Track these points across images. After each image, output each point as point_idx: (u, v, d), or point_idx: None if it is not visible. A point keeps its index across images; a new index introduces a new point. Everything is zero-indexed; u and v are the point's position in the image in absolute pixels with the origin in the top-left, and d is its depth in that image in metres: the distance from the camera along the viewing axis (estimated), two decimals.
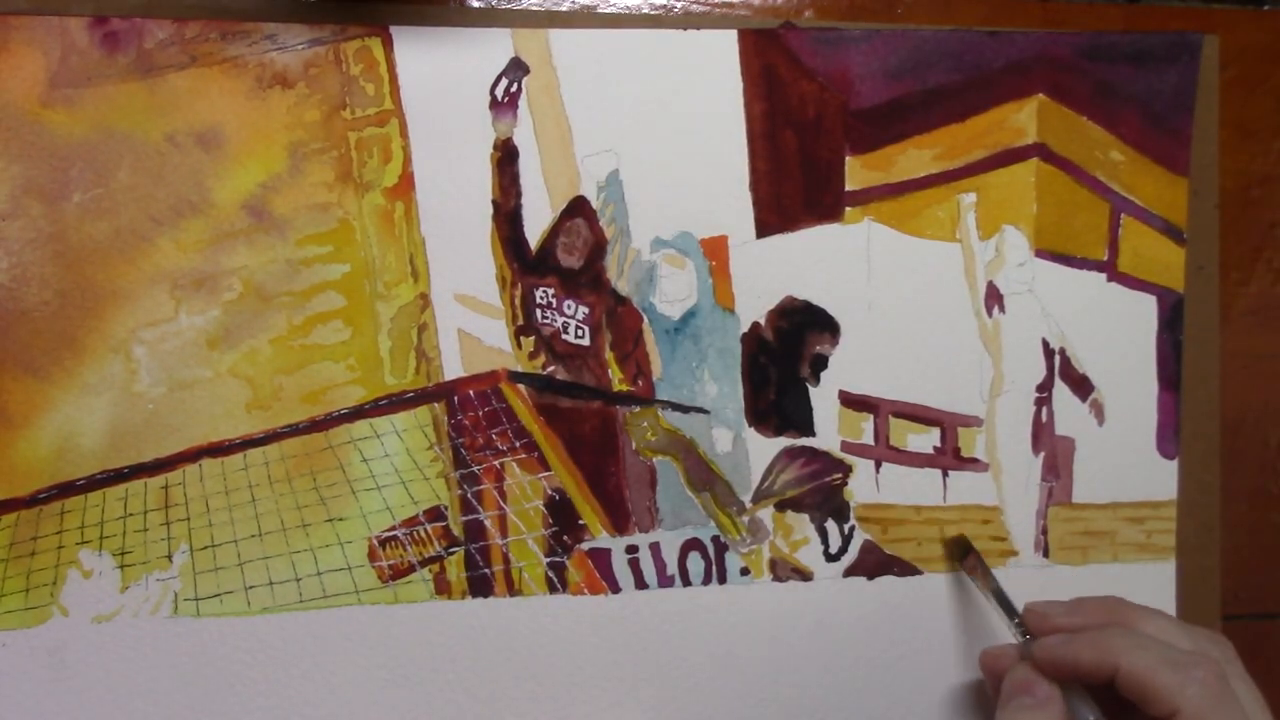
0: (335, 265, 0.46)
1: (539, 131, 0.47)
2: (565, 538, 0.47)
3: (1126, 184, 0.51)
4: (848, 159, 0.49)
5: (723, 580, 0.48)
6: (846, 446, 0.49)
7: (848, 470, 0.49)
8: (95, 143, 0.44)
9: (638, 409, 0.48)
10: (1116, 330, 0.51)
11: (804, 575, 0.49)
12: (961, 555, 0.49)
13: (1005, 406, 0.50)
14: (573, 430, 0.47)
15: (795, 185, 0.48)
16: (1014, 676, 0.44)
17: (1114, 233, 0.51)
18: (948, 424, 0.50)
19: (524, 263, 0.47)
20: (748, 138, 0.48)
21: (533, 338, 0.47)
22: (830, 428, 0.49)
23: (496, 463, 0.47)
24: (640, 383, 0.48)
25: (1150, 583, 0.51)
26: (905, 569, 0.50)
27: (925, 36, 0.49)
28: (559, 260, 0.47)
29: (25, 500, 0.44)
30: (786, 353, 0.49)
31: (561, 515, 0.47)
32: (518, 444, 0.47)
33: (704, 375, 0.48)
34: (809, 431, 0.49)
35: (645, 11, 0.48)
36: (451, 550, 0.46)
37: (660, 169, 0.47)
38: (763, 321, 0.49)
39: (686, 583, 0.48)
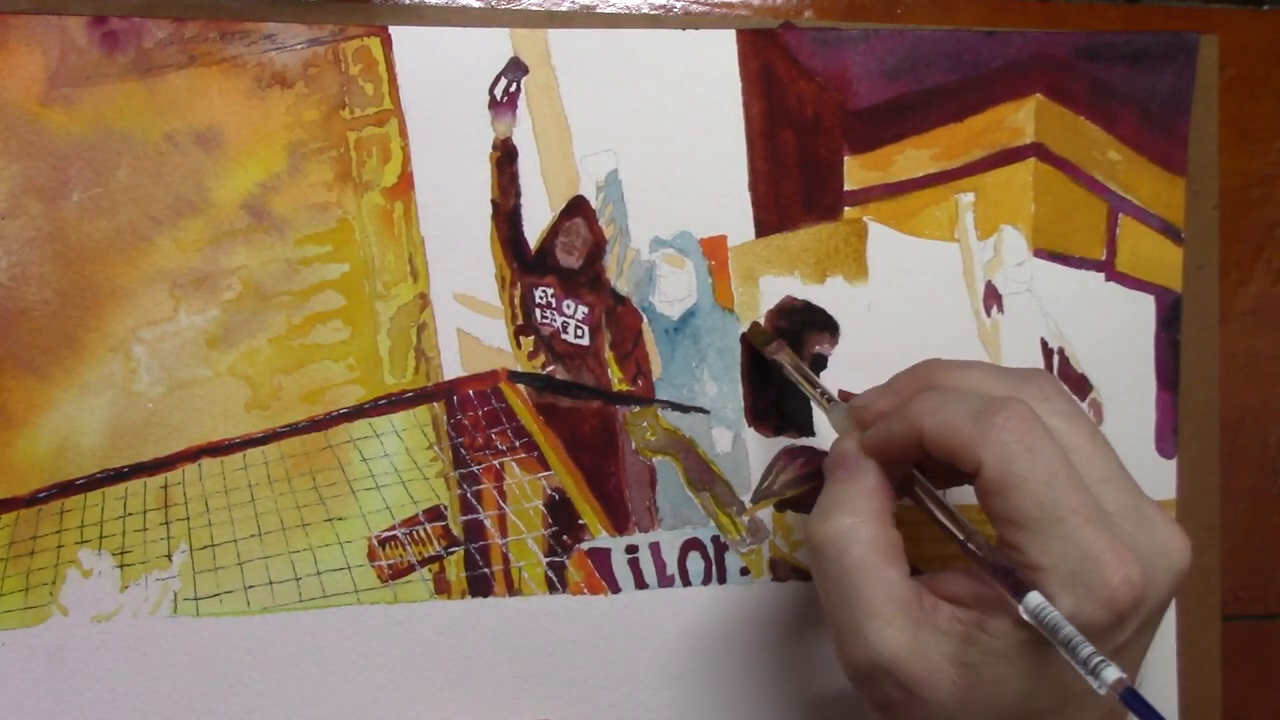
0: (334, 265, 0.46)
1: (538, 131, 0.47)
2: (565, 537, 0.47)
3: (1124, 183, 0.51)
4: (846, 159, 0.49)
5: (723, 580, 0.48)
6: None
7: None
8: (94, 142, 0.44)
9: (637, 409, 0.48)
10: (1115, 330, 0.51)
11: (804, 575, 0.49)
12: (764, 342, 0.48)
13: None
14: (572, 430, 0.47)
15: (794, 185, 0.48)
16: (832, 451, 0.42)
17: (1112, 232, 0.51)
18: None
19: (523, 262, 0.47)
20: (746, 137, 0.48)
21: (532, 337, 0.47)
22: (830, 428, 0.49)
23: (496, 462, 0.47)
24: (640, 382, 0.48)
25: None
26: None
27: (923, 36, 0.49)
28: (558, 260, 0.47)
29: (24, 499, 0.44)
30: None
31: (561, 515, 0.47)
32: (517, 444, 0.47)
33: (704, 375, 0.48)
34: (809, 431, 0.49)
35: (645, 11, 0.48)
36: (451, 550, 0.46)
37: (659, 169, 0.47)
38: (762, 321, 0.49)
39: (686, 583, 0.48)
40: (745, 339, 0.48)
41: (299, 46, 0.45)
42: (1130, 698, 0.34)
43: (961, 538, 0.39)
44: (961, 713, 0.37)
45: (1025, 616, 0.36)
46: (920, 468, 0.41)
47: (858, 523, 0.39)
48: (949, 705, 0.37)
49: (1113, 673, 0.34)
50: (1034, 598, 0.36)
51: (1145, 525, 0.38)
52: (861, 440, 0.41)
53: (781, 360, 0.47)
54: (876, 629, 0.37)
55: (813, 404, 0.49)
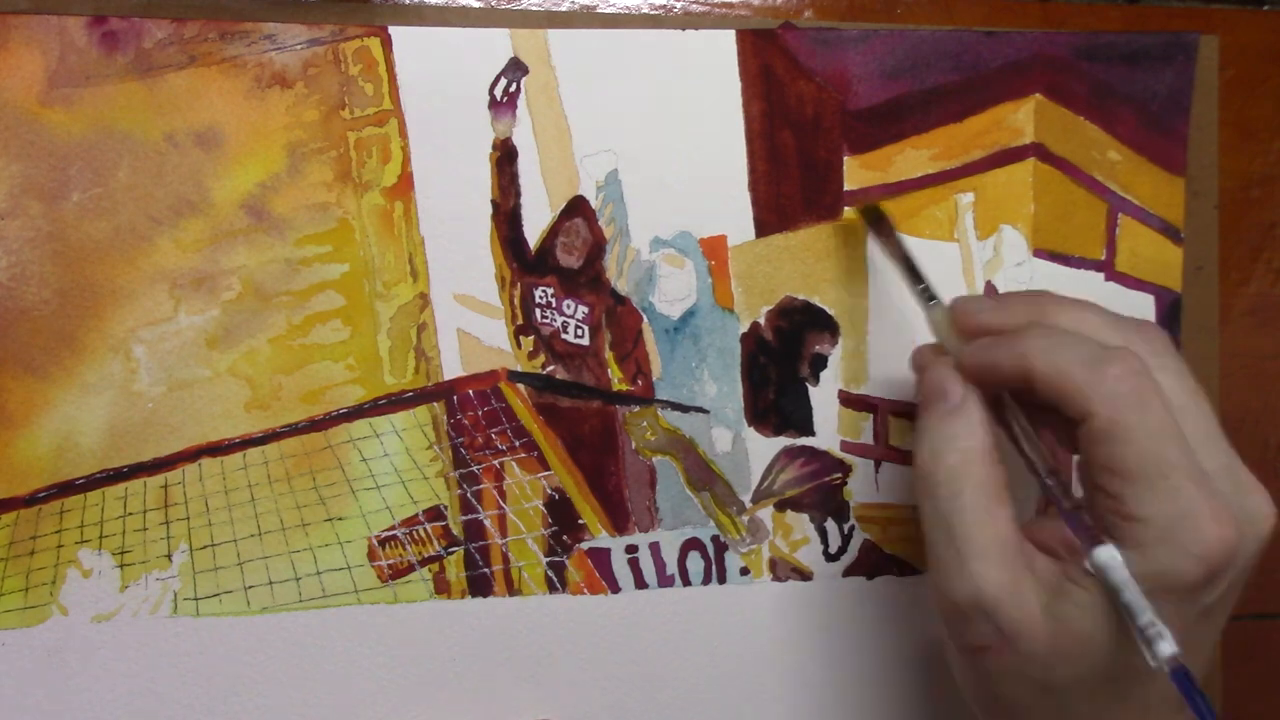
0: (334, 265, 0.46)
1: (538, 131, 0.47)
2: (565, 537, 0.47)
3: (1124, 183, 0.51)
4: (846, 159, 0.49)
5: (722, 580, 0.48)
6: (846, 446, 0.49)
7: (847, 470, 0.49)
8: (94, 142, 0.44)
9: (637, 409, 0.48)
10: None
11: (804, 575, 0.49)
12: (873, 221, 0.47)
13: None
14: (572, 430, 0.47)
15: (794, 185, 0.48)
16: (931, 376, 0.41)
17: (1111, 232, 0.51)
18: None
19: (523, 262, 0.47)
20: (746, 138, 0.48)
21: (532, 337, 0.47)
22: (830, 427, 0.49)
23: (496, 462, 0.47)
24: (640, 382, 0.48)
25: None
26: (905, 569, 0.50)
27: (923, 37, 0.49)
28: (558, 260, 0.47)
29: (24, 499, 0.44)
30: (786, 352, 0.49)
31: (561, 515, 0.47)
32: (517, 443, 0.47)
33: (704, 375, 0.48)
34: (808, 431, 0.49)
35: (645, 11, 0.48)
36: (451, 550, 0.46)
37: (659, 169, 0.47)
38: (762, 321, 0.49)
39: (686, 582, 0.48)
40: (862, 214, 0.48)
41: (299, 46, 0.45)
42: (1181, 677, 0.33)
43: (1047, 480, 0.39)
44: (1050, 666, 0.37)
45: (1088, 567, 0.36)
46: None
47: (971, 461, 0.39)
48: (1039, 655, 0.37)
49: (1168, 647, 0.34)
50: (1104, 552, 0.36)
51: (1238, 487, 0.38)
52: (963, 358, 0.41)
53: (886, 244, 0.46)
54: (983, 569, 0.37)
55: (812, 404, 0.49)
